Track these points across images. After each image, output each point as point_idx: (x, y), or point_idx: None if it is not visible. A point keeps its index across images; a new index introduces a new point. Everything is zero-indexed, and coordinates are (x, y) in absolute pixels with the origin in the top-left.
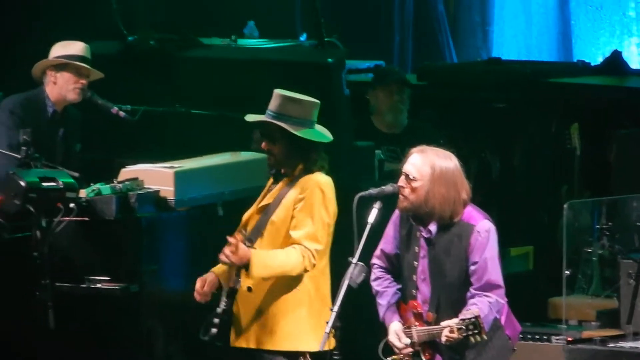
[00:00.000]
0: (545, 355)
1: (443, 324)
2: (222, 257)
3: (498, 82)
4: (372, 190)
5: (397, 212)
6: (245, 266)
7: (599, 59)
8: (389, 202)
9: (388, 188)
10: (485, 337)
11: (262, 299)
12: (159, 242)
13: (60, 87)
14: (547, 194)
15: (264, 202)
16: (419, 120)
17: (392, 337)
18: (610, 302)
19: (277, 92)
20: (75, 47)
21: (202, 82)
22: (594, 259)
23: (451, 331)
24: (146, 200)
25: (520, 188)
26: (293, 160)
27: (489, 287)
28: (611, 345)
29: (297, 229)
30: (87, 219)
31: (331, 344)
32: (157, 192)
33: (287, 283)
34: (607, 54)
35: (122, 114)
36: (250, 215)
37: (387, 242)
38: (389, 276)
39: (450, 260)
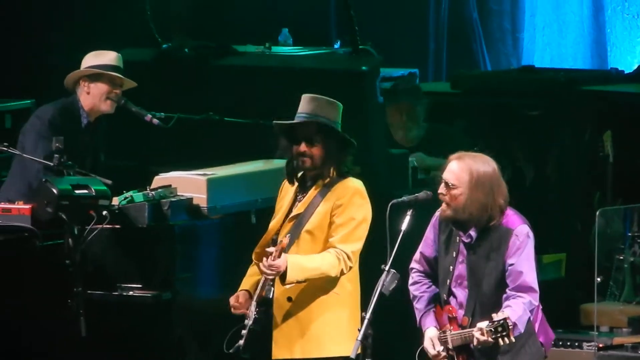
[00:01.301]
0: None
1: (475, 327)
2: (263, 267)
3: (532, 90)
4: (406, 198)
5: (436, 216)
6: (281, 274)
7: (634, 67)
8: (423, 208)
9: (421, 195)
10: (513, 339)
11: (303, 307)
12: (192, 249)
13: (94, 97)
14: (579, 202)
15: (295, 212)
16: (438, 124)
17: (427, 344)
18: None
19: (308, 95)
20: (108, 57)
21: (235, 90)
22: (626, 265)
23: (482, 333)
24: (179, 208)
25: (553, 196)
26: (330, 161)
27: (523, 288)
28: None
29: (334, 233)
30: (119, 226)
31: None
32: (190, 199)
33: (324, 287)
34: None
35: (155, 121)
36: (279, 224)
37: (427, 246)
38: (427, 280)
39: (489, 265)
